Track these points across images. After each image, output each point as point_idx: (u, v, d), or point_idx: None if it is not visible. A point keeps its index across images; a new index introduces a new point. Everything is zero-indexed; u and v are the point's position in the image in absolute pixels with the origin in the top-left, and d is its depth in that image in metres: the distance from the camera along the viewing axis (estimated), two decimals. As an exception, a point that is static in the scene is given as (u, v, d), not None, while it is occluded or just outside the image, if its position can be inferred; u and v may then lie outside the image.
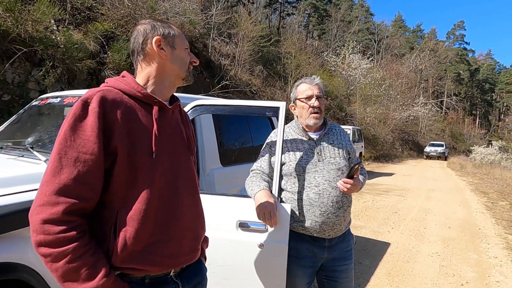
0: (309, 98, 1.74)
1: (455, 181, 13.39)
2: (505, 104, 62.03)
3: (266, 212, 1.50)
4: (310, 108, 1.73)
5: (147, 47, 1.07)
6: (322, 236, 1.68)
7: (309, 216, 1.64)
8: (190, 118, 2.00)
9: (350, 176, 1.62)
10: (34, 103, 2.82)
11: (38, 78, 6.13)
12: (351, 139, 12.17)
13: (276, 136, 1.77)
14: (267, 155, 1.78)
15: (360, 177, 1.74)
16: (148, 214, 0.97)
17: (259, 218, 1.53)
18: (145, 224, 0.97)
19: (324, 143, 1.75)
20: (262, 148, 1.84)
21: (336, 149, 1.75)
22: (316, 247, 1.68)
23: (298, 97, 1.78)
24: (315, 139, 1.75)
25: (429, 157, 28.52)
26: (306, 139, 1.75)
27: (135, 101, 1.02)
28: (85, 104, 0.92)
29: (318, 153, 1.71)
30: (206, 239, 1.30)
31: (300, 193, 1.65)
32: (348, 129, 12.49)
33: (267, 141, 1.84)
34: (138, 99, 1.03)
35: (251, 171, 1.81)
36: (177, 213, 1.05)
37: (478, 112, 63.24)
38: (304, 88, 1.77)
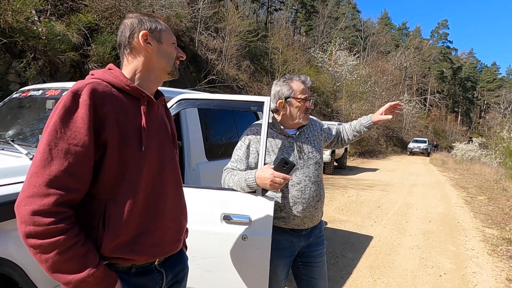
0: (306, 99, 1.73)
1: (436, 176, 13.74)
2: (485, 102, 63.72)
3: (277, 178, 1.47)
4: (306, 109, 1.74)
5: (134, 41, 1.07)
6: (302, 228, 1.74)
7: (292, 212, 1.68)
8: (175, 112, 2.01)
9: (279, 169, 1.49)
10: (15, 95, 2.76)
11: (19, 70, 5.96)
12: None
13: (253, 133, 1.74)
14: (244, 156, 1.71)
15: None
16: (136, 205, 0.99)
17: (275, 188, 1.51)
18: (133, 215, 0.99)
19: (302, 139, 1.77)
20: (238, 147, 1.75)
21: (312, 143, 1.78)
22: (294, 237, 1.74)
23: (295, 96, 1.72)
24: (294, 136, 1.75)
25: (412, 153, 29.15)
26: (286, 136, 1.74)
27: (123, 94, 1.02)
28: (76, 96, 0.92)
29: (298, 150, 1.72)
30: (186, 230, 1.32)
31: (282, 191, 1.68)
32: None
33: (243, 139, 1.75)
34: (126, 93, 1.03)
35: (225, 170, 1.74)
36: (162, 205, 1.08)
37: (460, 110, 64.80)
38: (302, 88, 1.73)
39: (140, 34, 1.06)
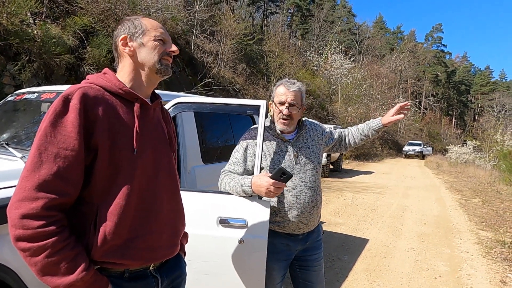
0: (281, 103, 1.69)
1: (431, 179, 13.81)
2: (479, 105, 64.32)
3: (273, 186, 1.46)
4: (280, 114, 1.70)
5: (118, 46, 1.10)
6: (298, 233, 1.74)
7: (287, 217, 1.68)
8: (171, 116, 2.00)
9: (276, 178, 1.47)
10: (10, 98, 2.74)
11: (14, 73, 5.93)
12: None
13: (250, 136, 1.74)
14: (241, 158, 1.72)
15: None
16: (128, 209, 0.99)
17: (270, 196, 1.50)
18: (125, 219, 0.98)
19: (300, 144, 1.75)
20: (236, 150, 1.76)
21: (311, 148, 1.76)
22: (290, 241, 1.74)
23: (273, 99, 1.74)
24: (291, 141, 1.74)
25: (407, 156, 29.32)
26: (282, 141, 1.73)
27: (117, 98, 1.03)
28: (66, 101, 0.93)
29: (295, 155, 1.71)
30: (185, 235, 1.31)
31: (278, 196, 1.66)
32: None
33: (241, 142, 1.76)
34: (120, 96, 1.04)
35: (223, 172, 1.75)
36: (156, 209, 1.07)
37: (454, 113, 65.33)
38: (281, 92, 1.70)
39: (120, 39, 1.09)
